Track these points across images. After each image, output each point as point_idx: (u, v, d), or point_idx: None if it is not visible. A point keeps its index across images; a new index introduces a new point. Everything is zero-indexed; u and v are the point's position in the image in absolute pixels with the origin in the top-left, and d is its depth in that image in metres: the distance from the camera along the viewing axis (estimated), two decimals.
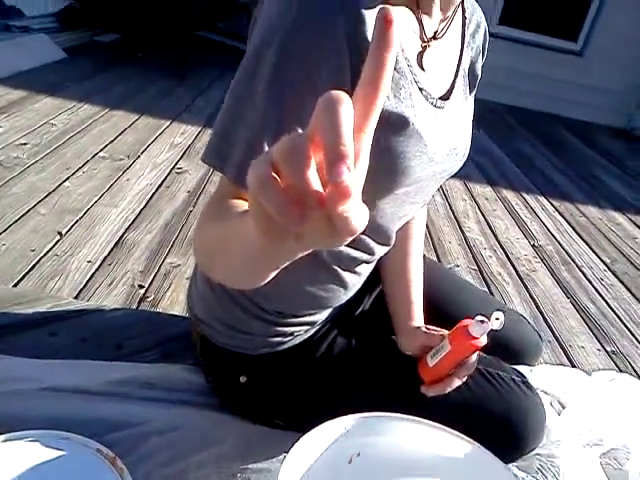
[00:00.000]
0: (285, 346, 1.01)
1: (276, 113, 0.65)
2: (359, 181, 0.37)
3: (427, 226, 2.77)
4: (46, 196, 2.29)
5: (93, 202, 2.32)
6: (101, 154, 2.80)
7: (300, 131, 0.35)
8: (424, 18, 0.78)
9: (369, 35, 0.65)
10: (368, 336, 1.09)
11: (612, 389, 1.62)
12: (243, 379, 1.04)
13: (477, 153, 4.17)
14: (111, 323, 1.56)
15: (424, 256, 1.19)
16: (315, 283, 0.94)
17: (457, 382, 0.97)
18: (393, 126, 0.73)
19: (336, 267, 0.93)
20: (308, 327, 1.02)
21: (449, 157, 0.88)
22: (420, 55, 0.79)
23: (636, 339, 2.12)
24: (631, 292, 2.50)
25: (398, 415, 0.84)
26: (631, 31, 5.69)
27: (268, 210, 0.34)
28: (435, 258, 2.47)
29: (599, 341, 2.04)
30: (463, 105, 0.91)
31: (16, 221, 2.07)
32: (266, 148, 0.65)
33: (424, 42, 0.79)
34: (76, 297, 1.73)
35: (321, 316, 1.01)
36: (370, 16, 0.65)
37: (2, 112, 3.06)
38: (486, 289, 2.29)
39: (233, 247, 0.50)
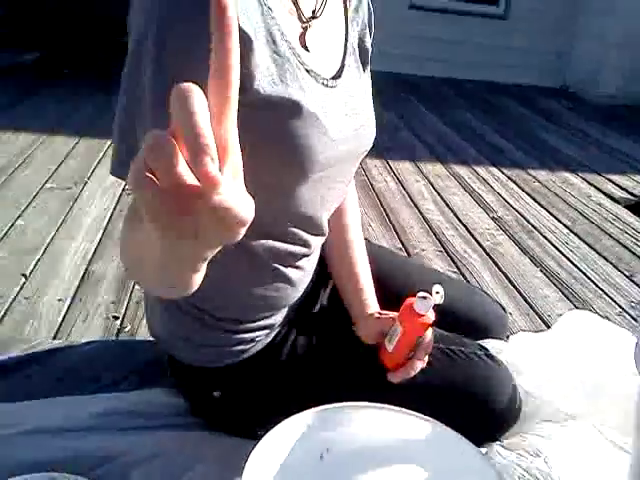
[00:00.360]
0: (249, 353, 1.00)
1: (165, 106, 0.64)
2: (236, 169, 0.38)
3: (387, 214, 2.80)
4: (1, 239, 2.20)
5: (50, 237, 2.24)
6: (48, 185, 2.70)
7: None
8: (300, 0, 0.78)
9: (238, 14, 0.64)
10: (329, 331, 1.09)
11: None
12: (217, 394, 1.03)
13: (420, 130, 4.22)
14: (86, 357, 1.52)
15: (365, 239, 1.19)
16: (260, 285, 0.94)
17: (419, 364, 0.97)
18: (284, 110, 0.73)
19: (277, 265, 0.92)
20: (268, 330, 1.00)
21: (356, 135, 0.88)
22: (302, 36, 0.78)
23: (610, 298, 2.21)
24: (596, 251, 2.60)
25: (357, 403, 0.84)
26: None
27: (148, 211, 0.35)
28: (400, 245, 2.51)
29: (575, 305, 2.12)
30: (358, 82, 0.91)
31: None
32: None
33: (304, 22, 0.78)
34: (54, 337, 1.69)
35: (278, 317, 1.01)
36: None
37: None
38: (455, 270, 2.34)
39: (146, 252, 0.49)
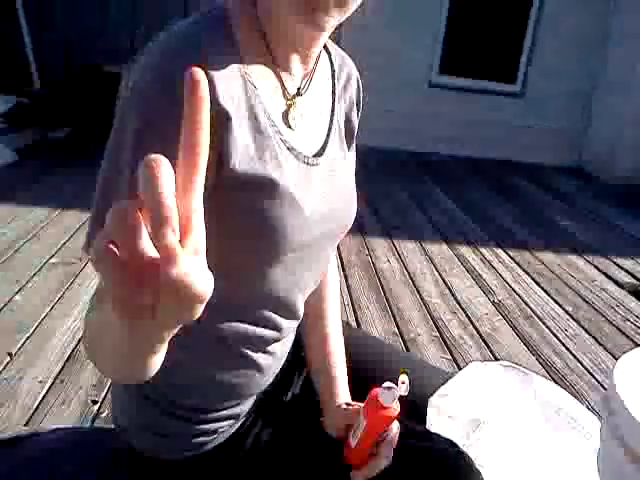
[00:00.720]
0: (211, 445, 0.94)
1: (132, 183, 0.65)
2: (198, 244, 0.38)
3: (386, 296, 2.79)
4: None
5: (44, 315, 2.29)
6: (52, 260, 2.78)
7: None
8: (283, 75, 0.78)
9: (220, 90, 0.66)
10: (297, 423, 1.03)
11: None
12: None
13: (430, 210, 4.25)
14: (47, 447, 1.50)
15: (345, 323, 1.16)
16: (226, 370, 0.89)
17: (383, 461, 0.90)
18: (260, 189, 0.73)
19: (245, 350, 0.88)
20: (232, 421, 0.95)
21: (334, 216, 0.87)
22: (285, 113, 0.78)
23: (606, 390, 2.13)
24: (596, 339, 2.53)
25: None
26: (566, 66, 5.91)
27: (107, 284, 0.34)
28: (395, 329, 2.48)
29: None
30: (341, 160, 0.90)
31: None
32: None
33: (288, 100, 0.78)
34: (27, 422, 1.68)
35: (244, 406, 0.96)
36: (217, 68, 0.67)
37: None
38: (449, 356, 2.30)
39: (104, 334, 0.49)
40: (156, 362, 0.47)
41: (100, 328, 0.50)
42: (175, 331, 0.41)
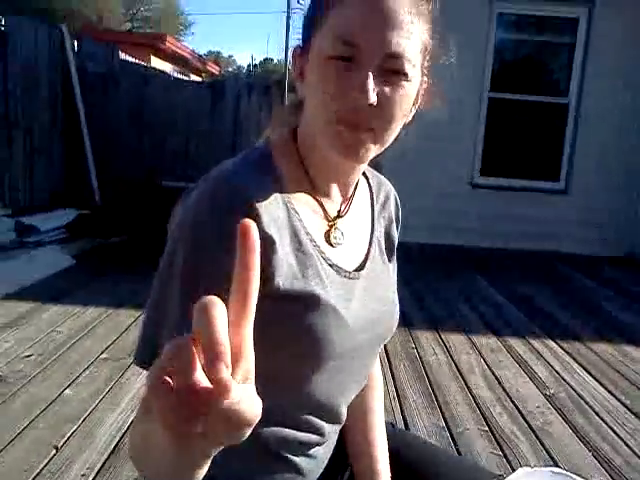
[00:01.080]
0: None
1: (185, 308, 0.69)
2: (248, 371, 0.41)
3: (433, 388, 2.72)
4: (46, 407, 2.31)
5: (92, 407, 2.33)
6: (103, 356, 2.87)
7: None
8: (324, 201, 0.85)
9: (266, 218, 0.73)
10: None
11: None
12: None
13: (477, 302, 4.20)
14: None
15: (390, 424, 1.15)
16: (267, 474, 0.88)
17: None
18: (304, 303, 0.76)
19: (286, 453, 0.88)
20: None
21: (374, 325, 0.89)
22: (327, 233, 0.83)
23: None
24: None
25: None
26: (608, 160, 5.97)
27: (161, 413, 0.37)
28: (443, 423, 2.40)
29: None
30: (381, 272, 0.94)
31: (13, 439, 2.08)
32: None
33: (329, 222, 0.85)
34: None
35: None
36: (264, 199, 0.73)
37: (10, 326, 3.19)
38: (499, 452, 2.19)
39: (150, 446, 0.51)
40: (202, 472, 0.50)
41: (146, 439, 0.53)
42: (221, 448, 0.44)
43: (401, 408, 2.51)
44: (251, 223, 0.42)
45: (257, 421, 0.40)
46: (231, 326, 0.39)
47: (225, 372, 0.37)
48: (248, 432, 0.41)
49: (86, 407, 2.34)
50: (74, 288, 3.95)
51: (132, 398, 2.43)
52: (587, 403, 2.64)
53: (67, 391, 2.47)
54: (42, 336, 3.07)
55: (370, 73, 0.71)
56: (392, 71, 0.72)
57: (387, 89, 0.73)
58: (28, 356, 2.82)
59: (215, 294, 0.62)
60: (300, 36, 0.80)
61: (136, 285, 4.01)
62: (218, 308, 0.38)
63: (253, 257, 0.41)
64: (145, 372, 0.65)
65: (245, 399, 0.39)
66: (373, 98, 0.71)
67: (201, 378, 0.38)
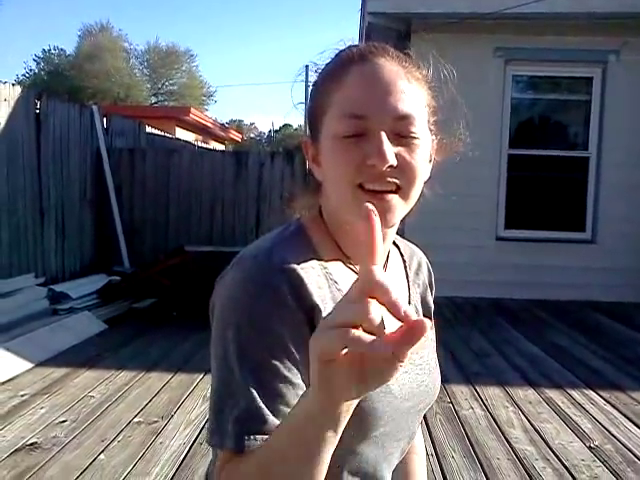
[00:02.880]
0: None
1: (255, 382, 0.71)
2: None
3: (472, 444, 2.64)
4: (81, 474, 2.30)
5: (127, 473, 2.31)
6: (136, 419, 2.85)
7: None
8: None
9: (311, 288, 0.75)
10: None
11: None
12: None
13: (511, 354, 4.11)
14: None
15: None
16: None
17: None
18: None
19: None
20: None
21: (420, 391, 0.90)
22: None
23: None
24: None
25: None
26: (632, 209, 5.97)
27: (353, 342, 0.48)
28: (484, 479, 2.31)
29: None
30: (423, 340, 0.95)
31: None
32: (262, 415, 0.70)
33: None
34: None
35: None
36: (305, 271, 0.76)
37: (45, 392, 3.21)
38: None
39: (288, 449, 0.61)
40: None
41: (281, 445, 0.62)
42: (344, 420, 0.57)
43: (441, 467, 2.43)
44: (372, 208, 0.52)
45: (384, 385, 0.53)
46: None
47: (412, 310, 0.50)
48: (375, 388, 0.53)
49: (121, 472, 2.32)
50: (106, 353, 3.98)
51: (165, 463, 2.40)
52: (635, 455, 2.53)
53: (101, 456, 2.45)
54: (76, 402, 3.08)
55: (384, 135, 0.74)
56: (402, 135, 0.76)
57: (402, 149, 0.76)
58: (62, 422, 2.82)
59: (278, 366, 0.72)
60: (307, 128, 0.84)
61: (165, 348, 4.03)
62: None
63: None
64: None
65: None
66: (392, 159, 0.74)
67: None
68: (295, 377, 0.72)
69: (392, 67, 0.77)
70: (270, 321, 0.73)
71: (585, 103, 6.31)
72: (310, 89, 0.83)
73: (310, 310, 0.74)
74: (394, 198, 0.77)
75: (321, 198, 0.88)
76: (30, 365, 3.63)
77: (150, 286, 5.39)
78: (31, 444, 2.56)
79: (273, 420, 0.70)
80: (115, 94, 26.71)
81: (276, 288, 0.73)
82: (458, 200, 5.45)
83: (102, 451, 2.50)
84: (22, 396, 3.15)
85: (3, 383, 3.34)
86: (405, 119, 0.75)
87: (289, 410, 0.70)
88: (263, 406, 0.71)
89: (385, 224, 0.80)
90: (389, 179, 0.76)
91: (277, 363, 0.72)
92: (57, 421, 2.83)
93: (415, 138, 0.76)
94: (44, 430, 2.72)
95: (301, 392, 0.72)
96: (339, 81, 0.77)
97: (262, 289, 0.74)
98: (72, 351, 4.01)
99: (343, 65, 0.78)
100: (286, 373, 0.72)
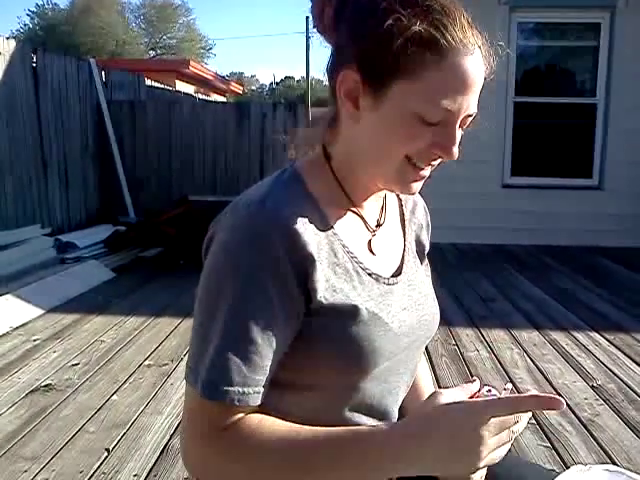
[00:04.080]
0: None
1: (237, 333, 0.73)
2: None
3: None
4: (95, 413, 2.36)
5: (139, 412, 2.37)
6: (146, 362, 2.91)
7: None
8: (363, 212, 0.88)
9: (304, 237, 0.74)
10: None
11: None
12: None
13: (517, 298, 4.14)
14: None
15: None
16: None
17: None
18: (346, 317, 0.78)
19: None
20: None
21: (419, 326, 0.91)
22: (369, 243, 0.87)
23: None
24: None
25: None
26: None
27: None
28: None
29: None
30: (417, 275, 0.96)
31: (66, 444, 2.12)
32: (232, 366, 0.71)
33: (371, 232, 0.88)
34: None
35: None
36: (298, 220, 0.75)
37: (57, 337, 3.27)
38: (548, 444, 2.15)
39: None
40: None
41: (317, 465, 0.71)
42: None
43: None
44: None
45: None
46: None
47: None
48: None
49: (134, 411, 2.38)
50: (115, 299, 4.03)
51: (176, 403, 2.46)
52: (636, 393, 2.57)
53: (114, 397, 2.51)
54: (87, 346, 3.14)
55: (457, 135, 0.76)
56: (461, 126, 0.78)
57: None
58: (75, 365, 2.88)
59: (263, 322, 0.72)
60: (357, 58, 0.74)
61: (173, 295, 4.07)
62: None
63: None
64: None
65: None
66: (456, 156, 0.77)
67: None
68: (273, 330, 0.73)
69: (482, 63, 0.75)
70: (256, 271, 0.73)
71: (593, 49, 6.17)
72: (381, 10, 0.72)
73: (302, 260, 0.74)
74: (429, 172, 0.81)
75: (333, 136, 0.85)
76: (41, 311, 3.68)
77: (156, 235, 5.42)
78: (46, 385, 2.62)
79: (241, 370, 0.71)
80: (112, 48, 26.24)
81: (266, 238, 0.73)
82: (463, 148, 5.44)
83: (115, 392, 2.56)
84: (35, 341, 3.21)
85: (16, 328, 3.40)
86: (472, 117, 0.77)
87: (261, 362, 0.72)
88: (234, 357, 0.72)
89: (413, 193, 0.83)
90: (435, 163, 0.80)
91: (257, 314, 0.72)
92: (70, 364, 2.89)
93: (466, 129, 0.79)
94: (57, 373, 2.78)
95: (275, 346, 0.73)
96: (440, 56, 0.71)
97: (252, 238, 0.73)
98: (81, 298, 4.06)
99: (447, 41, 0.71)
100: (263, 325, 0.72)
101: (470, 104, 0.75)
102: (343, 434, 0.72)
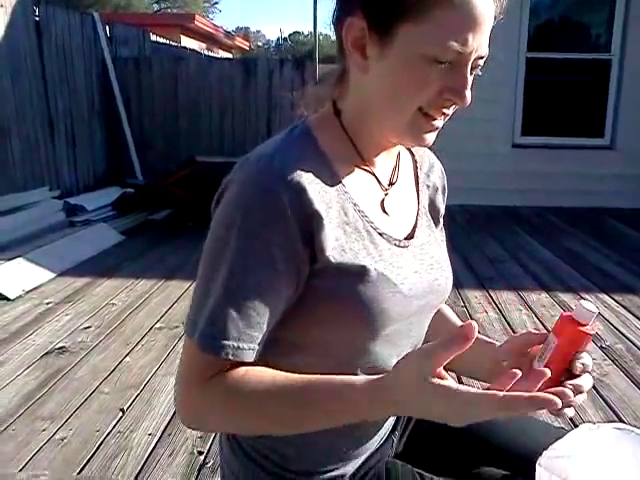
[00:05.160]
0: None
1: (236, 288, 0.73)
2: None
3: None
4: (109, 375, 2.40)
5: (152, 374, 2.41)
6: (158, 325, 2.95)
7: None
8: (375, 170, 0.86)
9: (312, 195, 0.73)
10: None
11: None
12: None
13: (525, 260, 4.14)
14: None
15: None
16: (329, 432, 0.82)
17: (570, 394, 0.72)
18: (355, 276, 0.78)
19: None
20: None
21: (430, 290, 0.90)
22: (382, 202, 0.85)
23: None
24: None
25: None
26: None
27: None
28: None
29: None
30: (430, 239, 0.95)
31: (82, 404, 2.17)
32: (229, 321, 0.72)
33: (384, 190, 0.86)
34: (139, 473, 1.77)
35: (348, 467, 0.97)
36: (307, 176, 0.74)
37: (69, 300, 3.31)
38: None
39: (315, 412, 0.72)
40: None
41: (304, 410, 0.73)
42: None
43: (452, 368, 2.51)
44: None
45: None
46: None
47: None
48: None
49: (147, 373, 2.42)
50: (125, 262, 4.05)
51: None
52: None
53: (127, 359, 2.56)
54: (99, 309, 3.17)
55: (469, 78, 0.74)
56: (472, 69, 0.75)
57: None
58: (87, 327, 2.92)
59: (264, 277, 0.73)
60: (368, 8, 0.72)
61: (183, 258, 4.09)
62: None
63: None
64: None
65: None
66: (469, 101, 0.74)
67: None
68: (273, 286, 0.73)
69: (491, 0, 0.72)
70: (261, 226, 0.72)
71: (609, 2, 5.98)
72: None
73: (309, 218, 0.73)
74: (442, 123, 0.78)
75: (343, 91, 0.83)
76: (52, 275, 3.71)
77: (165, 198, 5.41)
78: (59, 348, 2.67)
79: (238, 325, 0.72)
80: (116, 1, 25.69)
81: (274, 195, 0.72)
82: (472, 106, 5.35)
83: (127, 354, 2.60)
84: (47, 304, 3.25)
85: (29, 292, 3.44)
86: (483, 59, 0.75)
87: (258, 318, 0.73)
88: (232, 311, 0.72)
89: (427, 145, 0.81)
90: (447, 110, 0.77)
91: (259, 269, 0.72)
92: (82, 327, 2.93)
93: (478, 73, 0.76)
94: (71, 335, 2.82)
95: (274, 303, 0.74)
96: None
97: (259, 193, 0.72)
98: (91, 261, 4.09)
99: None
100: (264, 281, 0.73)
101: (481, 44, 0.72)
102: (317, 378, 0.74)
